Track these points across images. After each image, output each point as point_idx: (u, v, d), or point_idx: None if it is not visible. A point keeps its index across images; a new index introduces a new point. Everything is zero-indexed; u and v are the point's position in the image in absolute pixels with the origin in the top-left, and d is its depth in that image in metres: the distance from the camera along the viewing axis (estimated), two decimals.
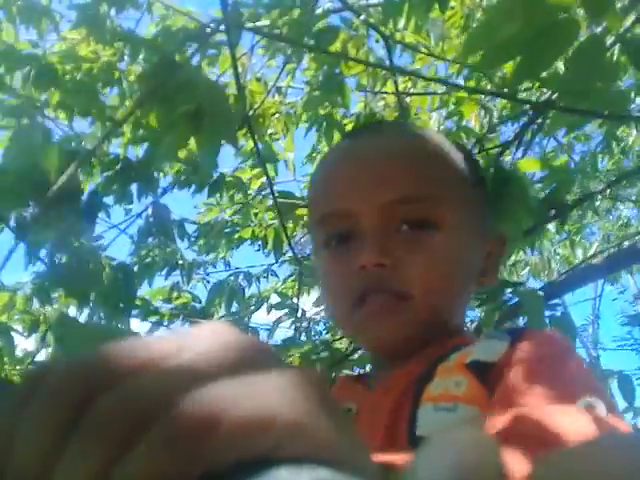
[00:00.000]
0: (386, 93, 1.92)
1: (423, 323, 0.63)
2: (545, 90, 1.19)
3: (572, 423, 0.39)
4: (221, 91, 1.01)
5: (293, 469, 0.18)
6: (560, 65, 0.92)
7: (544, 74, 0.80)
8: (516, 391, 0.47)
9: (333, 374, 1.46)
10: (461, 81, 2.23)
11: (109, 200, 1.69)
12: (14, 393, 0.22)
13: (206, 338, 0.23)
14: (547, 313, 1.74)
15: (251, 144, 2.03)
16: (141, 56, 1.62)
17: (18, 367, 1.68)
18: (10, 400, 0.21)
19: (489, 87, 1.82)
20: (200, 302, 2.11)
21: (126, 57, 1.73)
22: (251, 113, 1.66)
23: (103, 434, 0.20)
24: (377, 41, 1.80)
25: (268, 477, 0.18)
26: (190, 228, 2.09)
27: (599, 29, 0.84)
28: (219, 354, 0.22)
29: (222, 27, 1.42)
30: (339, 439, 0.20)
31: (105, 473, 0.19)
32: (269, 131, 1.98)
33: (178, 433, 0.19)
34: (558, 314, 1.76)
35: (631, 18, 1.32)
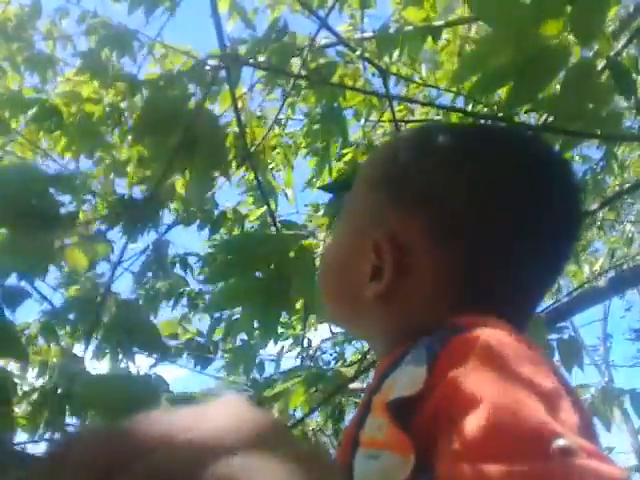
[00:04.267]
0: (383, 121, 1.95)
1: (335, 318, 0.71)
2: (540, 113, 1.21)
3: None
4: (212, 117, 1.02)
5: None
6: (554, 88, 0.93)
7: (537, 98, 0.82)
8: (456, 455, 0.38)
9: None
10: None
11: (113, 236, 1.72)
12: (41, 465, 0.23)
13: (221, 413, 0.24)
14: (554, 336, 1.74)
15: (251, 177, 2.07)
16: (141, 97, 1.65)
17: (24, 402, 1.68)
18: (37, 472, 0.23)
19: (484, 112, 1.84)
20: (204, 337, 2.10)
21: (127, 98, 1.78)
22: (252, 149, 1.68)
23: None
24: (373, 74, 1.83)
25: None
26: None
27: (590, 53, 0.86)
28: (234, 429, 0.23)
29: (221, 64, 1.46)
30: None
31: None
32: (270, 166, 2.01)
33: None
34: (565, 337, 1.76)
35: (622, 41, 1.35)
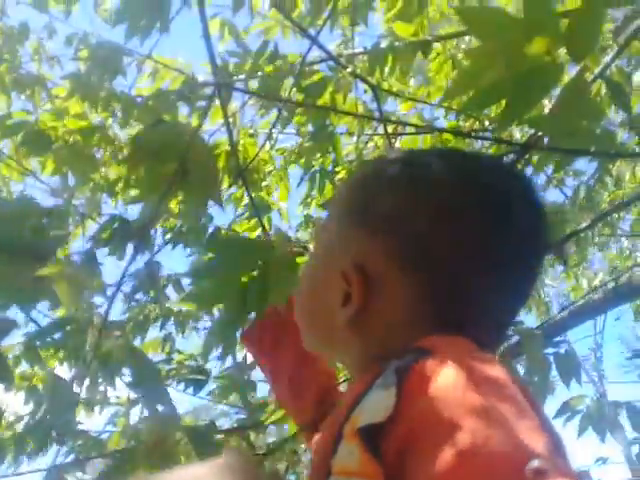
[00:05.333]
0: (376, 135, 1.95)
1: (311, 343, 0.70)
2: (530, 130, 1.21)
3: None
4: (205, 147, 1.02)
5: None
6: (546, 104, 0.93)
7: (530, 114, 0.81)
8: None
9: None
10: (445, 123, 2.29)
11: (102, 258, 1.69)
12: None
13: (220, 474, 0.25)
14: (550, 351, 1.73)
15: (239, 194, 2.06)
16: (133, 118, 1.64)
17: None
18: None
19: (475, 128, 1.85)
20: (196, 360, 2.09)
21: (118, 116, 1.77)
22: (245, 167, 1.67)
23: None
24: (366, 92, 1.83)
25: None
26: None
27: (580, 67, 0.86)
28: None
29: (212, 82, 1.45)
30: None
31: None
32: (263, 183, 2.00)
33: None
34: (562, 351, 1.75)
35: (610, 54, 1.35)
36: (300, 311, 0.71)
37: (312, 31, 1.82)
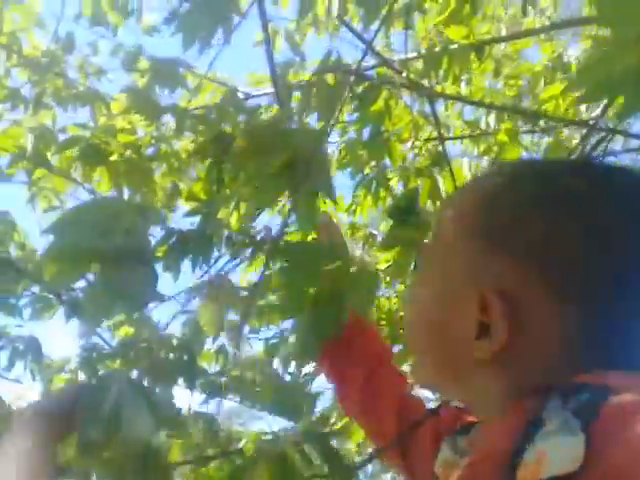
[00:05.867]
0: (430, 140, 1.92)
1: (429, 379, 0.67)
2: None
3: None
4: (317, 137, 0.95)
5: None
6: None
7: None
8: None
9: None
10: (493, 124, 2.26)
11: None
12: None
13: None
14: None
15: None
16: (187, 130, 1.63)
17: None
18: None
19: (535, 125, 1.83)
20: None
21: (169, 128, 1.75)
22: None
23: None
24: (420, 96, 1.81)
25: None
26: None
27: None
28: None
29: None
30: None
31: None
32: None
33: None
34: None
35: None
36: (415, 345, 0.66)
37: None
